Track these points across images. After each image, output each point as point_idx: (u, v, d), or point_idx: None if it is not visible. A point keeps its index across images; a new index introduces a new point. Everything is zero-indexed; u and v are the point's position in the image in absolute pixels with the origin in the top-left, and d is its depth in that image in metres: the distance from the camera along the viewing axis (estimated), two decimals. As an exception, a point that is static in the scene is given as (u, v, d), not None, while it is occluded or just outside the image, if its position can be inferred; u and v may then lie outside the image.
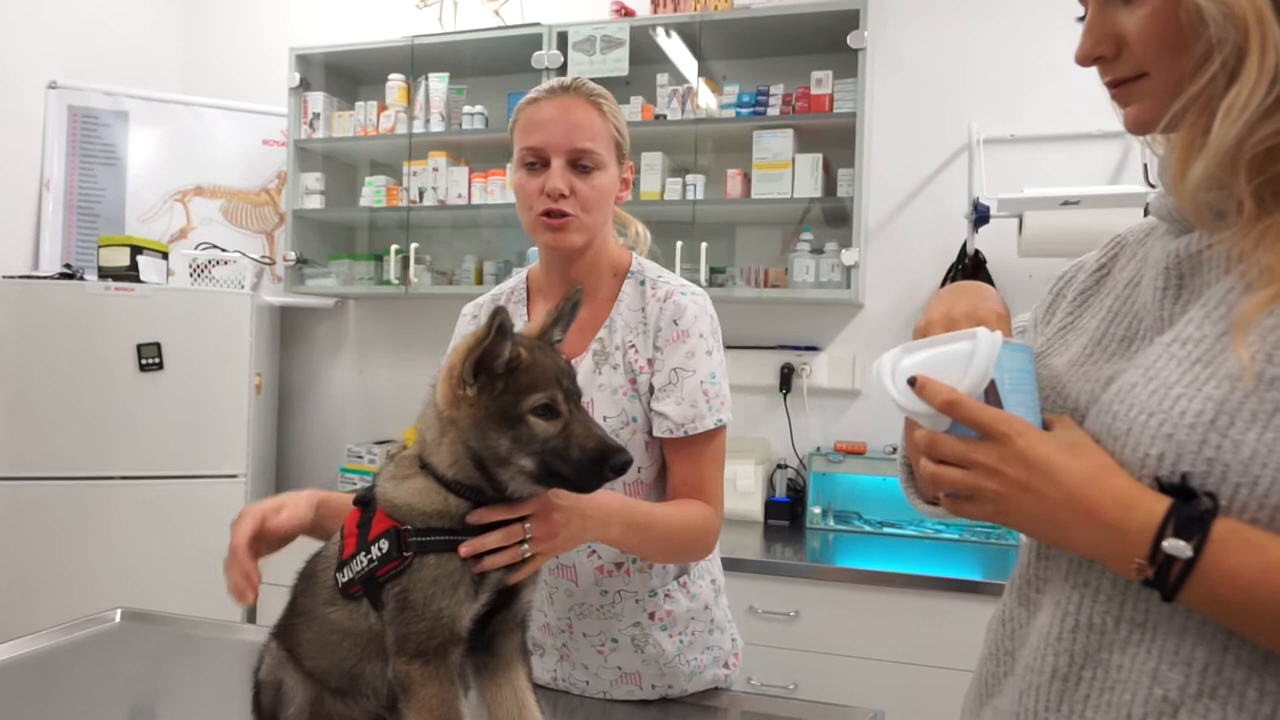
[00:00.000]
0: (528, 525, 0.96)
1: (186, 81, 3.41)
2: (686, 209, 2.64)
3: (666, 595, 1.33)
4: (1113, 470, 0.67)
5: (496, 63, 2.89)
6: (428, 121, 2.86)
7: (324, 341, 3.34)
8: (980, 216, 2.49)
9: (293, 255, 2.98)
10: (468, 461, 0.94)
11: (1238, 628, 0.63)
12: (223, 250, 2.94)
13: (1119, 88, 0.75)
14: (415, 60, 2.87)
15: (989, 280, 2.54)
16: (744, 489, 2.61)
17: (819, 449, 2.69)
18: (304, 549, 1.09)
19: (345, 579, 0.97)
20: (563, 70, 2.67)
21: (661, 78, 2.64)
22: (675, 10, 2.69)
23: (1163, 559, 0.62)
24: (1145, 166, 2.45)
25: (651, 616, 1.32)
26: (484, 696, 1.02)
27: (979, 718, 0.85)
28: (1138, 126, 0.75)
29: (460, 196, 2.83)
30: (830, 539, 2.55)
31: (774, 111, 2.53)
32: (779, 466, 2.71)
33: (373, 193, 2.93)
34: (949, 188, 2.65)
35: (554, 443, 0.93)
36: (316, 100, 2.96)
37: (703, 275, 2.58)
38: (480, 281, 2.92)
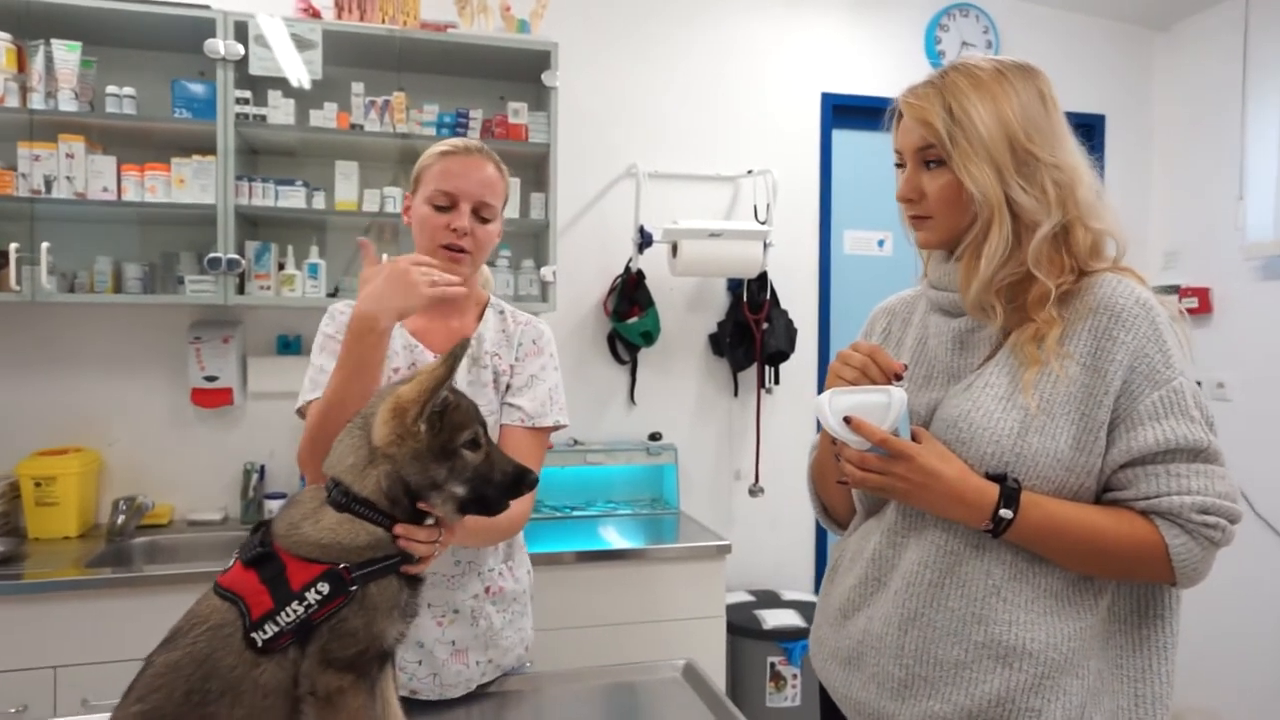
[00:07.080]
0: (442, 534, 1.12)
1: None
2: (385, 221, 2.65)
3: (499, 574, 1.56)
4: (968, 472, 1.12)
5: (148, 40, 2.53)
6: (51, 96, 2.39)
7: None
8: (645, 241, 2.96)
9: None
10: (398, 490, 1.06)
11: (1033, 549, 1.12)
12: None
13: (915, 220, 1.22)
14: (31, 19, 2.37)
15: (648, 292, 3.04)
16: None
17: (510, 446, 2.93)
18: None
19: (271, 634, 0.98)
20: (243, 63, 2.46)
21: (357, 86, 2.60)
22: (362, 19, 2.65)
23: (998, 519, 1.09)
24: (755, 207, 3.17)
25: (487, 591, 1.54)
26: None
27: (845, 627, 1.26)
28: (924, 245, 1.25)
29: (107, 190, 2.42)
30: (531, 527, 2.81)
31: (474, 134, 2.68)
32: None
33: (-29, 176, 2.35)
34: (616, 213, 3.08)
35: (481, 469, 1.10)
36: None
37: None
38: (118, 289, 2.53)
